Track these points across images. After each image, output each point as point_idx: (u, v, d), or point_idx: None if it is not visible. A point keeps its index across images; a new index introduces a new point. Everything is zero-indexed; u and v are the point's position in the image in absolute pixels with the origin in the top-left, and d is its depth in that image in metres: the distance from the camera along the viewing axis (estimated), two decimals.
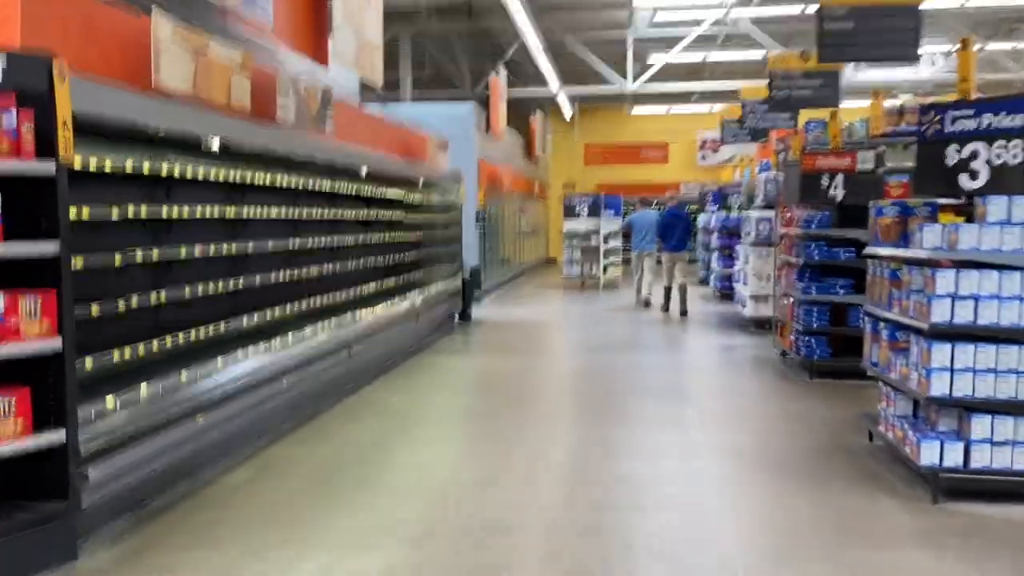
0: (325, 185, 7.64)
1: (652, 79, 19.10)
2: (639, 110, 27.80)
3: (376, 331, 8.43)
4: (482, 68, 18.19)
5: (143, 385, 4.59)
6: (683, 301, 13.10)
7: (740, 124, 17.78)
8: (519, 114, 22.77)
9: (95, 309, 4.25)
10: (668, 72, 20.24)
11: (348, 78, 11.27)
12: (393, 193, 9.86)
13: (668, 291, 13.75)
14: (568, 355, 10.34)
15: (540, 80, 20.96)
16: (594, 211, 18.55)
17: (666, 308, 13.70)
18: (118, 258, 4.46)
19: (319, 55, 8.97)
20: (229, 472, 5.27)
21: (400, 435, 6.32)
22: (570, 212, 18.70)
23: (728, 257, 15.02)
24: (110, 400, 4.32)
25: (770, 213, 11.13)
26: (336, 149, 7.41)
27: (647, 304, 14.42)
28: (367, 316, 8.40)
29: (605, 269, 18.51)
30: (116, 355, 4.43)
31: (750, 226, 11.47)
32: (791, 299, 8.50)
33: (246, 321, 5.89)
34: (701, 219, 19.32)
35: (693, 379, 8.73)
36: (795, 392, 7.79)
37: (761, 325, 11.33)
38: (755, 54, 19.15)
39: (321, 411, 6.84)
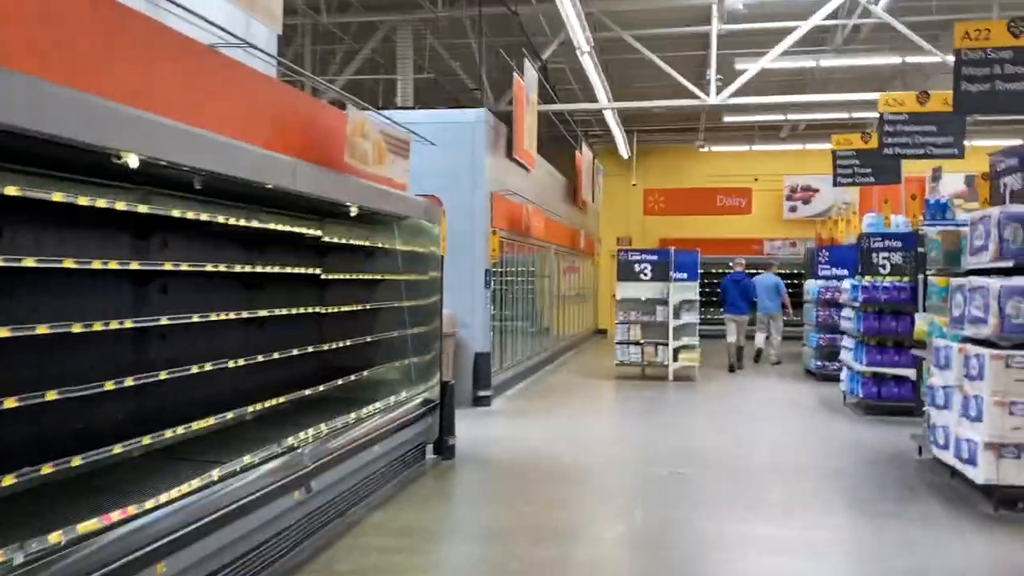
0: None
1: (739, 92, 13.69)
2: (712, 148, 22.40)
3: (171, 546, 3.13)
4: (509, 81, 13.08)
5: None
6: (740, 358, 14.27)
7: (858, 158, 13.08)
8: (563, 151, 17.60)
9: None
10: (759, 88, 14.95)
11: (258, 31, 6.16)
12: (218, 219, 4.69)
13: (739, 350, 14.25)
14: None
15: (587, 98, 15.87)
16: (660, 273, 13.08)
17: (733, 367, 14.11)
18: None
19: None
20: None
21: None
22: (627, 272, 13.21)
23: (879, 348, 9.44)
24: None
25: None
26: None
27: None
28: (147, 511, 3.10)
29: (676, 354, 12.94)
30: None
31: (974, 304, 5.94)
32: None
33: None
34: (811, 287, 13.72)
35: None
36: None
37: (1010, 504, 5.71)
38: (889, 59, 13.80)
39: None
